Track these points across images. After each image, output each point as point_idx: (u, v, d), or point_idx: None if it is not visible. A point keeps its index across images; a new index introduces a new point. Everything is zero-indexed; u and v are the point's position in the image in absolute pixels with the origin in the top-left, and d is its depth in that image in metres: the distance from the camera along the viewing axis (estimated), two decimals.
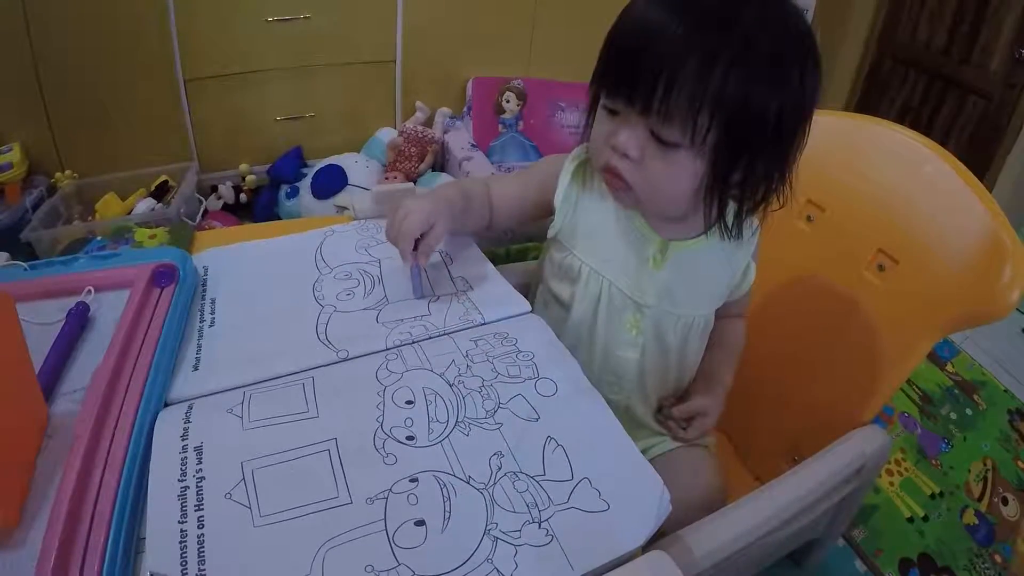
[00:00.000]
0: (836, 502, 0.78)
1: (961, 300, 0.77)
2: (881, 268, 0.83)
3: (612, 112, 0.62)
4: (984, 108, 3.27)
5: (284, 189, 2.17)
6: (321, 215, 1.03)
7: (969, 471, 1.77)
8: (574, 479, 0.49)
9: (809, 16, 3.13)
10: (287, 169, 2.19)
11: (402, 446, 0.50)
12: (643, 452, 0.74)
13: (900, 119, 3.61)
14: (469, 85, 2.49)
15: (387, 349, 0.60)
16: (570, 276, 0.73)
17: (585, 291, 0.71)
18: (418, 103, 2.45)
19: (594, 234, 0.71)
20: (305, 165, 2.26)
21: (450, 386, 0.56)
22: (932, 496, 1.64)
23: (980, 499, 1.70)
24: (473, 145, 2.37)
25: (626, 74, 0.57)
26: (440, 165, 2.42)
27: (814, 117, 0.61)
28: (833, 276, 0.89)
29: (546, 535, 0.45)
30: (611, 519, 0.46)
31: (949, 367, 2.24)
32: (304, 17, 2.08)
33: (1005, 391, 2.22)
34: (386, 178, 2.21)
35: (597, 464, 0.51)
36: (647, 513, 0.47)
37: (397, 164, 2.25)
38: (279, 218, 2.15)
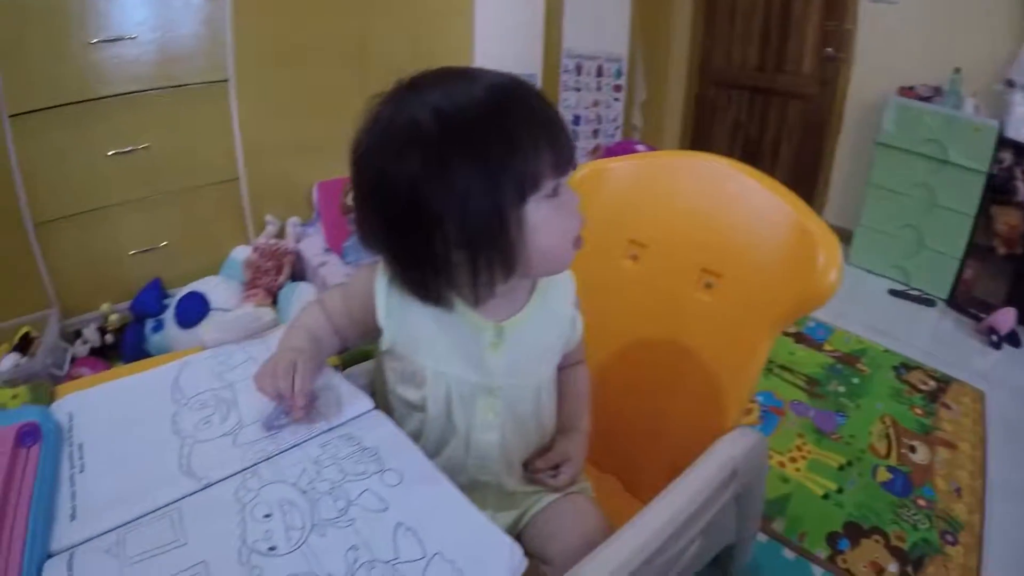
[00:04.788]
0: (725, 506, 0.81)
1: (786, 295, 0.82)
2: (708, 286, 0.90)
3: (550, 196, 0.65)
4: (805, 107, 3.57)
5: (149, 324, 2.13)
6: (189, 345, 1.04)
7: (871, 434, 1.86)
8: (427, 556, 0.55)
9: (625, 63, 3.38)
10: (149, 303, 2.16)
11: (265, 557, 0.54)
12: (522, 516, 0.80)
13: (733, 136, 3.94)
14: (314, 190, 2.53)
15: (244, 469, 0.64)
16: (415, 381, 0.74)
17: (434, 391, 0.73)
18: (268, 216, 2.48)
19: (427, 338, 0.72)
20: (166, 296, 2.23)
21: (303, 493, 0.61)
22: (840, 468, 1.70)
23: (888, 455, 1.78)
24: (327, 249, 2.41)
25: (566, 149, 0.65)
26: (299, 274, 2.44)
27: (624, 163, 0.69)
28: (666, 304, 0.94)
29: None
30: None
31: (827, 346, 2.36)
32: (144, 147, 2.10)
33: (885, 351, 2.36)
34: (247, 296, 2.20)
35: (446, 538, 0.57)
36: (500, 570, 0.54)
37: (256, 281, 2.26)
38: (149, 354, 2.06)
